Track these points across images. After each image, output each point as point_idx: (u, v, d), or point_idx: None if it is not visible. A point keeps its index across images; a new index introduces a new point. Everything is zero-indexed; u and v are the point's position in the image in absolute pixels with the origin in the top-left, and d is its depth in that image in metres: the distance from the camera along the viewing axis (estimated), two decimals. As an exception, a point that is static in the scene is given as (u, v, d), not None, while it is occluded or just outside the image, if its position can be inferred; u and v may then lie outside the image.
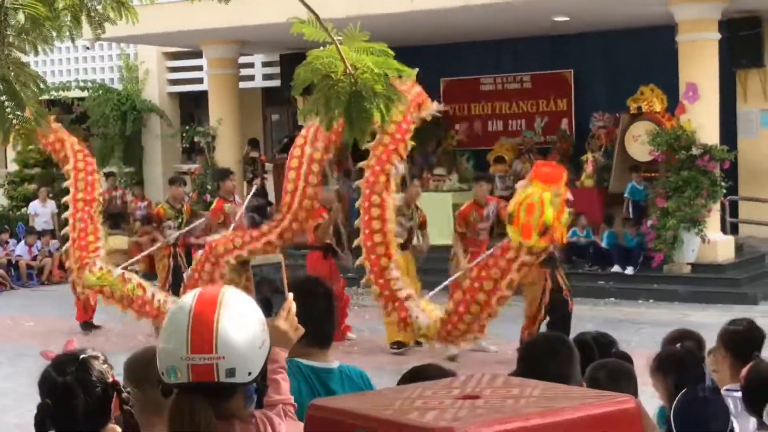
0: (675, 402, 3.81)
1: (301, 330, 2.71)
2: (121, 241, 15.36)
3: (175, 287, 11.71)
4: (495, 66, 19.03)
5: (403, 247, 10.64)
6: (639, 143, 15.47)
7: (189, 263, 11.81)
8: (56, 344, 2.94)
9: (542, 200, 8.22)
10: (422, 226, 11.75)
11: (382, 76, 3.93)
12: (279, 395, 2.54)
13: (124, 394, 2.71)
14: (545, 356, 3.28)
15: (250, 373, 2.32)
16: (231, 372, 2.28)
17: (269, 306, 2.62)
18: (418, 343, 11.13)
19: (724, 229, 15.45)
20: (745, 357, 4.33)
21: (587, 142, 17.49)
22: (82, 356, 2.72)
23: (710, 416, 3.73)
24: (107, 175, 20.03)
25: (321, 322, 3.25)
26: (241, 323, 2.32)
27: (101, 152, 20.35)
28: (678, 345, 4.32)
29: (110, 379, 2.71)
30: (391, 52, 3.93)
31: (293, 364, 3.14)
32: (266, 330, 2.40)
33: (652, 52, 17.04)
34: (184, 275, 11.28)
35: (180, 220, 12.75)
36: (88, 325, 13.00)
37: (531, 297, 10.36)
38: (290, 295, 2.71)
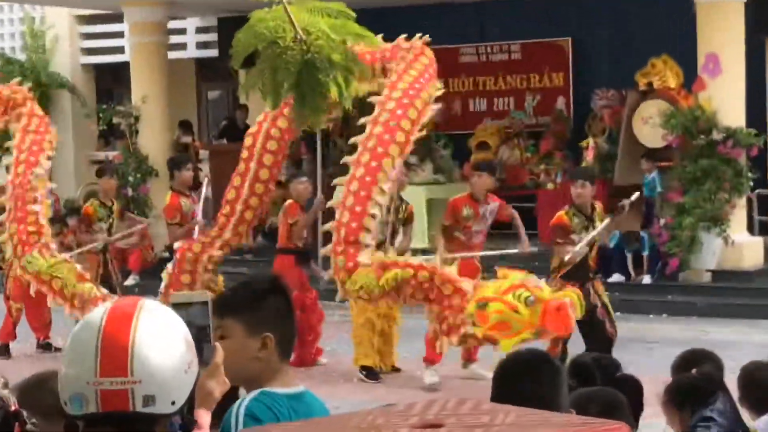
0: None
1: (228, 385, 2.72)
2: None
3: None
4: (478, 33, 19.06)
5: (378, 247, 10.24)
6: (650, 126, 15.55)
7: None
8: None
9: (516, 335, 8.46)
10: (408, 221, 11.53)
11: (341, 42, 3.94)
12: None
13: (29, 426, 2.70)
14: (523, 376, 3.29)
15: (173, 402, 2.30)
16: (150, 399, 2.26)
17: (198, 355, 2.61)
18: (396, 369, 11.16)
19: (751, 229, 15.56)
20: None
21: (588, 125, 17.57)
22: None
23: None
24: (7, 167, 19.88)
25: (290, 325, 3.30)
26: (163, 341, 2.30)
27: (0, 136, 20.20)
28: (693, 370, 4.32)
29: (12, 408, 2.69)
30: (352, 14, 3.93)
31: (271, 398, 3.14)
32: (193, 350, 2.39)
33: (665, 17, 17.14)
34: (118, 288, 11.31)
35: (111, 220, 12.68)
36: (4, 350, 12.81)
37: None
38: (218, 346, 2.69)
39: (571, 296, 8.97)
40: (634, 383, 4.07)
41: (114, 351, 2.26)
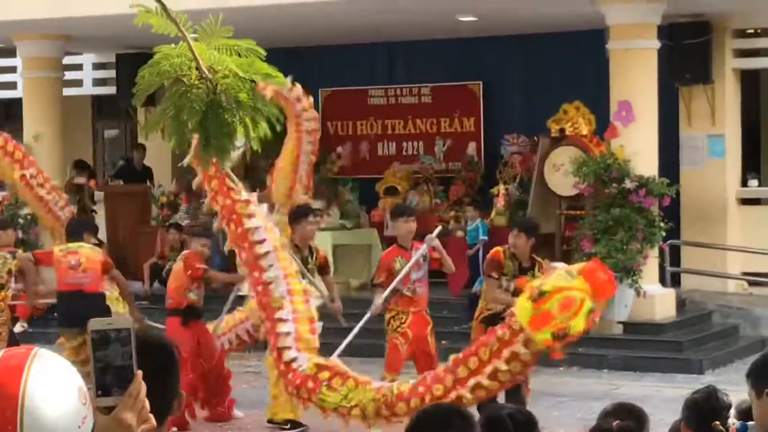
0: None
1: (152, 421, 2.60)
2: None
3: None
4: (387, 75, 19.17)
5: None
6: (561, 173, 15.69)
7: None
8: None
9: (582, 305, 8.14)
10: (323, 269, 11.41)
11: (248, 81, 3.93)
12: None
13: None
14: (436, 430, 3.30)
15: None
16: None
17: (110, 386, 2.47)
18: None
19: (663, 281, 15.78)
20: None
21: (499, 171, 17.73)
22: None
23: None
24: None
25: (159, 388, 3.16)
26: (56, 396, 2.22)
27: None
28: (614, 423, 4.35)
29: None
30: (262, 52, 3.93)
31: None
32: (87, 402, 2.31)
33: (577, 62, 17.40)
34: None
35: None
36: None
37: None
38: (139, 374, 2.58)
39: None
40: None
41: (5, 406, 2.17)
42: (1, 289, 11.88)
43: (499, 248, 10.76)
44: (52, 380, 2.24)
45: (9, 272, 11.97)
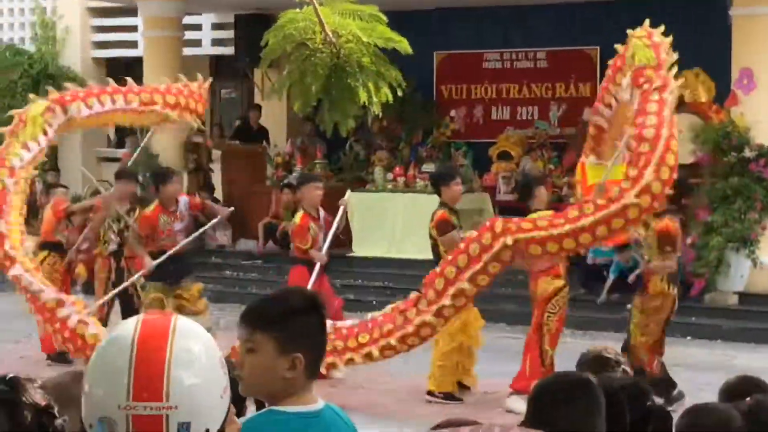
0: None
1: (237, 425, 2.62)
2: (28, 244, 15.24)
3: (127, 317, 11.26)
4: (503, 39, 19.04)
5: None
6: (678, 140, 15.48)
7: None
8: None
9: None
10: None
11: (371, 46, 3.93)
12: None
13: (59, 421, 2.70)
14: (561, 403, 3.25)
15: (207, 430, 2.25)
16: (185, 427, 2.20)
17: None
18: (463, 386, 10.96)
19: (781, 252, 15.52)
20: None
21: (615, 138, 17.56)
22: (10, 376, 2.70)
23: None
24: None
25: (321, 345, 3.24)
26: (199, 363, 2.23)
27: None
28: (747, 399, 4.14)
29: (43, 403, 2.69)
30: (384, 17, 3.93)
31: (276, 417, 3.10)
32: (227, 373, 2.33)
33: (699, 28, 17.10)
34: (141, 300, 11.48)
35: (122, 224, 12.48)
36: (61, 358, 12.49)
37: (654, 324, 10.58)
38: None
39: None
40: (663, 414, 3.99)
41: (149, 373, 2.18)
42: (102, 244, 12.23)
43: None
44: (196, 346, 2.25)
45: (120, 232, 12.21)
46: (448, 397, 10.70)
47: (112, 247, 12.46)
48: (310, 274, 11.18)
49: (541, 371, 10.14)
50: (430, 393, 10.77)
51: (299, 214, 11.49)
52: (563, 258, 10.38)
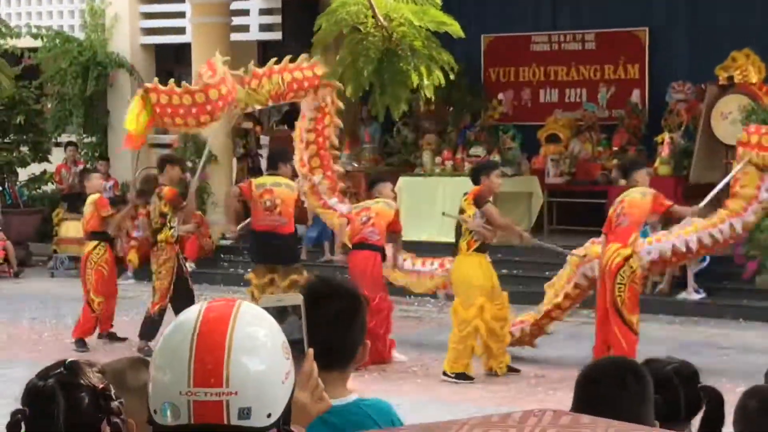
0: None
1: (327, 402, 2.60)
2: (77, 229, 15.40)
3: (180, 302, 11.42)
4: (551, 21, 18.98)
5: None
6: (729, 122, 15.43)
7: None
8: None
9: None
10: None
11: (423, 30, 3.93)
12: None
13: (115, 403, 2.74)
14: (612, 388, 3.24)
15: (269, 415, 2.21)
16: (245, 412, 2.18)
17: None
18: (513, 369, 11.32)
19: (834, 233, 15.38)
20: None
21: (664, 119, 17.44)
22: (70, 360, 2.80)
23: None
24: (65, 146, 20.09)
25: (341, 333, 3.20)
26: (261, 349, 2.22)
27: (57, 116, 20.40)
28: None
29: (100, 386, 2.75)
30: (438, 1, 3.93)
31: None
32: (291, 359, 2.33)
33: (749, 8, 16.97)
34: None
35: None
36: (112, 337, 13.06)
37: None
38: (311, 352, 2.57)
39: None
40: (716, 395, 3.97)
41: (209, 359, 2.18)
42: (162, 230, 12.24)
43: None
44: (257, 332, 2.23)
45: (162, 215, 12.27)
46: (460, 376, 11.08)
47: (176, 233, 12.50)
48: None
49: (635, 339, 10.66)
50: (444, 373, 11.19)
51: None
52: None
